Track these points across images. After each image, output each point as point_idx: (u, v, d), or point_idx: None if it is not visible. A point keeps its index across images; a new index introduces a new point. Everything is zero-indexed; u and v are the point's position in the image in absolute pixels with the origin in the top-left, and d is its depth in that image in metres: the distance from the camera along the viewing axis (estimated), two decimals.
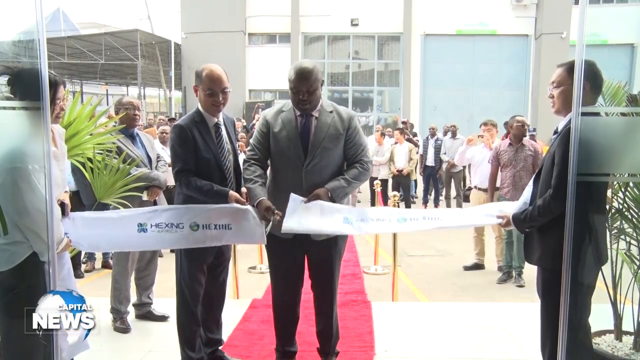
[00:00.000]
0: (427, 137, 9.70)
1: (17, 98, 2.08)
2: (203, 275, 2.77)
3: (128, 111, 3.63)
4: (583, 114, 2.13)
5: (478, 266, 5.55)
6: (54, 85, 2.16)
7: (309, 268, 2.80)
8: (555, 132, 2.34)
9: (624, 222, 2.76)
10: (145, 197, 3.52)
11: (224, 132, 2.79)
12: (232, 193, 2.62)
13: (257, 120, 8.80)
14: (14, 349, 2.10)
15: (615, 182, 2.63)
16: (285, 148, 2.62)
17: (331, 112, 2.67)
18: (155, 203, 3.64)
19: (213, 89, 2.64)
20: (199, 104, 2.76)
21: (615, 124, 2.09)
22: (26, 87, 2.07)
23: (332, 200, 2.59)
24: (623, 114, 2.30)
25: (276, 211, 2.51)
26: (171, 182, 4.77)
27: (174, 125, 2.76)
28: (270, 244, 2.75)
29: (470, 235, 5.60)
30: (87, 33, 25.39)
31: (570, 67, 2.25)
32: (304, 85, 2.53)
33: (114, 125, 3.57)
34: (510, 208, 2.58)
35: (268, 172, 2.78)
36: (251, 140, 2.82)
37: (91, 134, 3.03)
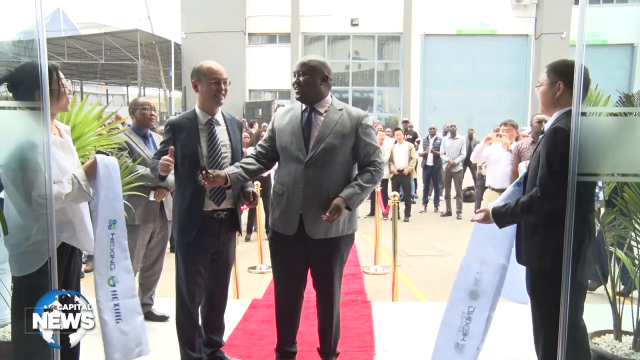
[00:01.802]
0: (427, 137, 9.72)
1: (18, 98, 2.09)
2: (199, 276, 2.77)
3: (145, 111, 3.65)
4: (569, 112, 2.12)
5: None
6: (55, 70, 2.19)
7: (311, 268, 2.79)
8: (542, 132, 2.34)
9: (622, 222, 2.76)
10: (152, 197, 3.52)
11: (218, 130, 2.78)
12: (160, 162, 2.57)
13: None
14: (23, 348, 2.11)
15: (605, 182, 2.64)
16: (288, 142, 2.65)
17: (340, 110, 2.69)
18: (162, 204, 3.65)
19: (217, 78, 2.70)
20: (197, 102, 2.79)
21: (604, 124, 2.08)
22: (26, 85, 2.07)
23: (348, 208, 2.56)
24: (613, 114, 2.30)
25: (205, 175, 2.47)
26: None
27: (166, 122, 2.93)
28: (273, 241, 2.78)
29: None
30: (87, 33, 25.41)
31: (550, 67, 2.28)
32: (299, 68, 2.63)
33: (122, 125, 3.58)
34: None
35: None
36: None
37: (100, 135, 3.04)
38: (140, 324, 2.49)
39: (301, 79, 2.62)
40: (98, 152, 2.39)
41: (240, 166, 2.66)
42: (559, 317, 2.13)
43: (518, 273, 2.44)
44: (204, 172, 2.47)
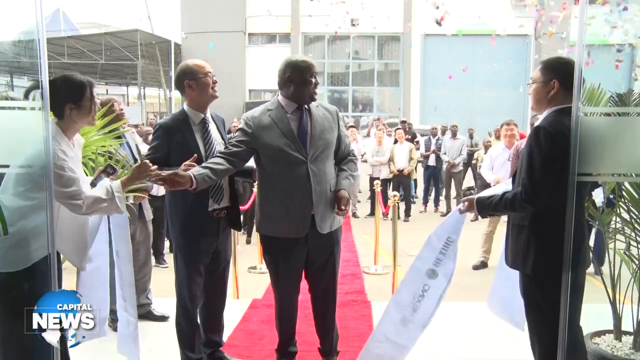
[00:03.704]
0: (429, 137, 9.74)
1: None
2: (200, 277, 2.76)
3: (113, 109, 3.49)
4: (559, 111, 2.12)
5: (483, 264, 5.59)
6: (89, 86, 2.23)
7: (310, 266, 2.76)
8: None
9: (621, 222, 2.76)
10: (131, 199, 3.41)
11: (211, 128, 2.78)
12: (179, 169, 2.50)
13: None
14: (15, 349, 2.11)
15: (605, 182, 2.64)
16: (282, 145, 2.58)
17: (317, 106, 2.74)
18: (140, 207, 3.64)
19: (209, 72, 2.70)
20: (185, 103, 2.76)
21: (598, 124, 2.07)
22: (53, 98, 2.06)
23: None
24: (607, 114, 2.29)
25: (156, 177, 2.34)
26: (161, 191, 4.78)
27: (155, 124, 2.89)
28: (272, 248, 2.74)
29: (474, 233, 5.58)
30: (87, 33, 25.40)
31: (545, 64, 2.24)
32: (314, 69, 2.65)
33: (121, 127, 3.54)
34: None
35: (258, 177, 2.74)
36: (232, 136, 2.75)
37: (102, 135, 3.03)
38: None
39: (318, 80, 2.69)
40: (109, 165, 2.40)
41: (207, 167, 2.49)
42: (549, 319, 2.13)
43: (516, 297, 2.42)
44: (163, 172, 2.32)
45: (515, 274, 2.36)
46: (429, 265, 2.54)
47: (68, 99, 2.13)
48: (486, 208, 2.32)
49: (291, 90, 2.64)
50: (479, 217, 2.59)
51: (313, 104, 2.71)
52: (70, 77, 2.22)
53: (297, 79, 2.61)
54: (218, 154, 2.63)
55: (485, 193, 2.45)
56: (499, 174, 5.70)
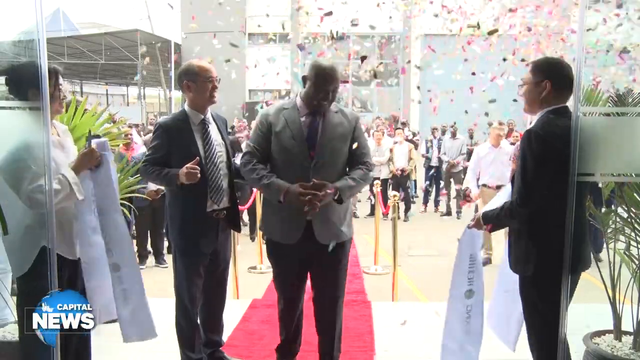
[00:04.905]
0: (431, 139, 9.75)
1: (16, 97, 2.10)
2: (199, 277, 2.76)
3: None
4: (551, 112, 2.12)
5: (488, 260, 5.60)
6: (55, 74, 2.18)
7: (313, 274, 2.73)
8: None
9: (621, 222, 2.76)
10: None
11: (211, 129, 2.77)
12: (181, 171, 2.54)
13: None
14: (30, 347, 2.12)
15: (604, 182, 2.64)
16: (289, 147, 2.55)
17: (337, 112, 2.64)
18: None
19: (212, 77, 2.68)
20: (186, 103, 2.76)
21: (596, 124, 2.06)
22: (23, 84, 2.09)
23: (340, 199, 2.53)
24: (607, 114, 2.29)
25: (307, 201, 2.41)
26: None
27: (155, 123, 2.90)
28: (274, 251, 2.73)
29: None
30: (87, 33, 25.38)
31: (535, 65, 2.23)
32: (333, 83, 2.52)
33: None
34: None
35: None
36: (249, 141, 2.72)
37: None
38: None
39: (333, 93, 2.54)
40: (93, 136, 2.37)
41: (275, 175, 2.54)
42: (547, 319, 2.13)
43: (511, 316, 2.45)
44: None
45: (513, 290, 2.36)
46: (465, 287, 2.61)
47: (32, 85, 2.02)
48: (491, 221, 2.33)
49: (305, 93, 2.59)
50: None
51: (332, 109, 2.63)
52: (35, 64, 2.17)
53: (314, 84, 2.53)
54: (256, 162, 2.58)
55: (490, 206, 2.45)
56: (486, 173, 5.83)
